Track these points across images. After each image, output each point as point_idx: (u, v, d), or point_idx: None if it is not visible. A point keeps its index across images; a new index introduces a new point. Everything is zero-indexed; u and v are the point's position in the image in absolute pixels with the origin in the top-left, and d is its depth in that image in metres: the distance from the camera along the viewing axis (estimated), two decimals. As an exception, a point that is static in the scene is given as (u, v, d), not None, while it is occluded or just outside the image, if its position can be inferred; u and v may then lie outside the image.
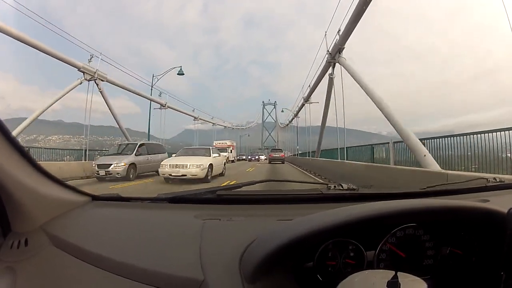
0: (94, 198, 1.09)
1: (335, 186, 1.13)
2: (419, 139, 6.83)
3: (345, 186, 1.11)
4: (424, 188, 1.20)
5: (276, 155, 27.06)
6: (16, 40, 11.09)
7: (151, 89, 20.90)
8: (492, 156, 4.71)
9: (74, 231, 0.86)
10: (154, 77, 20.89)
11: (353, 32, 10.00)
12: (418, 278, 0.56)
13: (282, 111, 30.93)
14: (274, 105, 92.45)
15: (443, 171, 4.91)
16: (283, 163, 25.89)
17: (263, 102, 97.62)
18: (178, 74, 20.57)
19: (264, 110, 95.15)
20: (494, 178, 1.25)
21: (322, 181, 8.75)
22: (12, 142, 0.75)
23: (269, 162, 26.34)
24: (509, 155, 4.49)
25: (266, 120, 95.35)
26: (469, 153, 5.16)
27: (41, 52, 12.44)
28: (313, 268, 0.64)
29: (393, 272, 0.53)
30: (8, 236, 0.82)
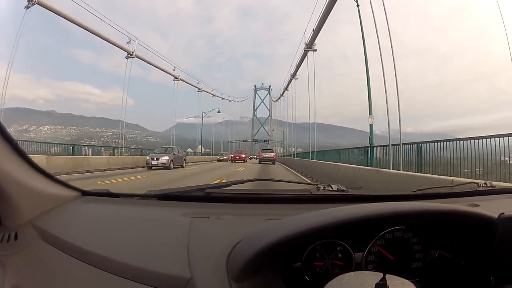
0: (84, 193, 1.09)
1: (324, 187, 1.12)
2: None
3: (334, 187, 1.10)
4: (414, 191, 1.20)
5: (266, 155, 26.70)
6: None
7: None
8: (495, 160, 4.64)
9: (63, 226, 0.85)
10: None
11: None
12: (407, 281, 0.55)
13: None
14: (269, 91, 74.66)
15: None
16: (274, 163, 25.40)
17: (255, 86, 79.00)
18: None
19: (256, 96, 78.34)
20: (485, 183, 1.25)
21: (311, 181, 8.64)
22: (3, 134, 0.73)
23: (259, 162, 26.00)
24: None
25: (261, 115, 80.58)
26: (465, 156, 5.12)
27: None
28: (301, 268, 0.64)
29: (381, 274, 0.53)
30: None
